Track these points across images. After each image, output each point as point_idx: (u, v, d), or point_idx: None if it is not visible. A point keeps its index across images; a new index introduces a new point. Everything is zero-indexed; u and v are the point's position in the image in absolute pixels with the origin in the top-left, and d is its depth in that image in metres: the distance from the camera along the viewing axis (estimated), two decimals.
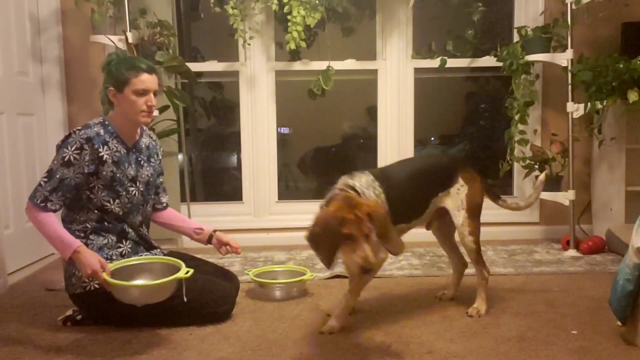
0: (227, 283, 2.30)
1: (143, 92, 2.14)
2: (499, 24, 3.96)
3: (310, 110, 4.19)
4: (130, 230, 2.23)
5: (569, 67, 3.28)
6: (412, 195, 2.16)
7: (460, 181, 2.23)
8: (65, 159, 2.08)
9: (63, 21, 3.50)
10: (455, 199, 2.23)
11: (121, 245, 2.20)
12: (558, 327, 2.11)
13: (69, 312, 2.25)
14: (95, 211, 2.16)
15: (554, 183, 3.36)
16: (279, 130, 3.87)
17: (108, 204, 2.16)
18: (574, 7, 3.23)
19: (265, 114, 3.74)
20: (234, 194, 3.95)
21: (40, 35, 3.42)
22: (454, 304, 2.39)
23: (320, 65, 3.59)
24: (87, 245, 2.11)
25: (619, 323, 2.00)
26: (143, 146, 2.29)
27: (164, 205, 2.45)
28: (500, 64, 3.55)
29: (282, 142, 4.09)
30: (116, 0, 3.23)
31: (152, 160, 2.32)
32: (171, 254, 2.42)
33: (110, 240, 2.18)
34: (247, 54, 3.68)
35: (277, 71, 3.73)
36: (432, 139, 4.60)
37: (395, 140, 3.79)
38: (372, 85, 3.80)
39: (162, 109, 3.38)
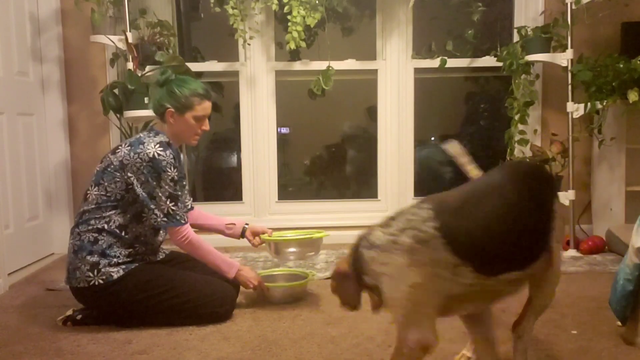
0: (228, 283, 2.30)
1: (202, 118, 2.23)
2: (499, 24, 3.96)
3: (310, 110, 4.19)
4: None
5: (569, 67, 3.28)
6: (513, 230, 1.41)
7: (556, 201, 1.56)
8: (176, 179, 2.16)
9: (63, 21, 3.50)
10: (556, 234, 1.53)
11: (132, 248, 2.21)
12: (558, 327, 2.11)
13: (69, 312, 2.25)
14: (128, 216, 2.18)
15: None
16: (279, 130, 3.87)
17: (145, 214, 2.20)
18: (574, 7, 3.23)
19: (265, 114, 3.74)
20: (234, 194, 3.95)
21: (40, 35, 3.42)
22: None
23: (320, 65, 3.59)
24: (97, 240, 2.14)
25: (619, 323, 2.00)
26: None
27: (192, 205, 2.54)
28: (500, 64, 3.55)
29: (282, 142, 4.09)
30: (116, 0, 3.23)
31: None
32: (172, 253, 2.43)
33: (123, 241, 2.20)
34: (247, 54, 3.69)
35: (277, 71, 3.73)
36: (432, 138, 4.59)
37: (395, 140, 3.79)
38: (372, 85, 3.80)
39: None
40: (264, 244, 2.52)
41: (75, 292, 2.19)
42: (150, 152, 2.12)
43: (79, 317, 2.23)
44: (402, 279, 1.33)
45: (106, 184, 2.17)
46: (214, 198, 4.32)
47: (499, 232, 1.38)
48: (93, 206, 2.17)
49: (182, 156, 2.40)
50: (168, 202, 2.14)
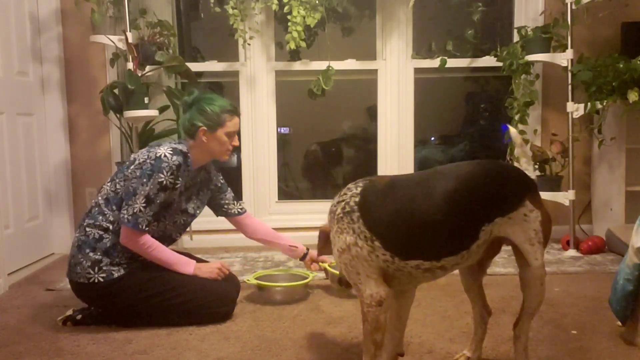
0: (228, 283, 2.30)
1: (233, 134, 2.26)
2: (499, 24, 3.96)
3: (310, 110, 4.19)
4: None
5: (569, 67, 3.28)
6: (438, 221, 1.47)
7: (529, 205, 1.54)
8: (163, 184, 2.11)
9: (63, 21, 3.50)
10: (526, 228, 1.54)
11: (136, 255, 2.20)
12: (558, 327, 2.11)
13: (69, 312, 2.25)
14: None
15: (554, 183, 3.37)
16: (279, 130, 3.87)
17: (153, 225, 2.19)
18: (574, 7, 3.23)
19: (265, 114, 3.74)
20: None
21: (40, 35, 3.42)
22: (454, 303, 2.39)
23: (320, 65, 3.59)
24: (102, 238, 2.14)
25: (619, 323, 2.00)
26: (198, 180, 2.34)
27: (240, 210, 2.56)
28: (500, 64, 3.55)
29: (282, 142, 4.09)
30: (116, 0, 3.24)
31: (200, 193, 2.36)
32: None
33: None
34: (247, 54, 3.68)
35: (277, 71, 3.73)
36: (432, 138, 4.59)
37: (395, 140, 3.79)
38: (372, 85, 3.80)
39: (162, 109, 3.38)
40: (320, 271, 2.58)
41: (75, 287, 2.20)
42: (159, 153, 2.13)
43: (78, 317, 2.23)
44: (334, 243, 1.55)
45: (117, 180, 2.19)
46: None
47: (410, 218, 1.47)
48: (102, 200, 2.19)
49: (208, 182, 2.41)
50: (141, 202, 2.10)
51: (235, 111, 2.26)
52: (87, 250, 2.14)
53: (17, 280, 2.92)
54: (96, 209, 2.19)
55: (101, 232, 2.15)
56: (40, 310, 2.43)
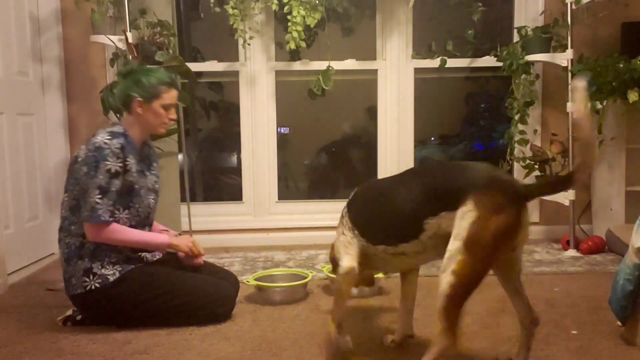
0: (227, 283, 2.30)
1: (169, 107, 2.22)
2: (499, 24, 3.96)
3: (310, 110, 4.19)
4: None
5: (569, 67, 3.28)
6: (389, 211, 1.73)
7: (470, 204, 1.58)
8: (112, 171, 2.08)
9: (63, 21, 3.50)
10: (458, 225, 1.59)
11: (122, 249, 2.19)
12: (558, 327, 2.11)
13: (69, 312, 2.25)
14: None
15: None
16: (279, 130, 3.87)
17: (117, 212, 2.15)
18: (574, 7, 3.23)
19: (265, 114, 3.74)
20: (233, 193, 3.95)
21: (40, 35, 3.42)
22: None
23: (320, 65, 3.59)
24: (83, 245, 2.12)
25: (619, 323, 2.00)
26: (145, 155, 2.30)
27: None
28: (500, 64, 3.55)
29: (282, 142, 4.09)
30: (116, 0, 3.23)
31: (152, 168, 2.33)
32: (169, 254, 2.42)
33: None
34: (247, 54, 3.68)
35: (277, 71, 3.73)
36: (432, 138, 4.59)
37: (395, 140, 3.79)
38: (372, 85, 3.80)
39: None
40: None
41: (76, 300, 2.18)
42: (97, 142, 2.08)
43: (78, 317, 2.23)
44: (337, 231, 1.92)
45: (71, 187, 2.15)
46: (214, 198, 4.32)
47: (374, 210, 1.79)
48: (68, 212, 2.16)
49: (152, 154, 2.35)
50: (95, 194, 2.05)
51: (172, 84, 2.23)
52: (75, 260, 2.13)
53: (17, 280, 2.92)
54: (66, 221, 2.16)
55: (80, 239, 2.13)
56: (40, 310, 2.43)
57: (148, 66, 2.24)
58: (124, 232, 2.12)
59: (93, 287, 2.11)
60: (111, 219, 2.09)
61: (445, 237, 1.61)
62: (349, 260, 1.82)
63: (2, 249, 2.75)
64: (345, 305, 1.90)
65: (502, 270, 1.75)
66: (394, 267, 1.89)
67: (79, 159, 2.12)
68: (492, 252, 1.57)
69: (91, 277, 2.11)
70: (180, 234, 2.46)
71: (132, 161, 2.14)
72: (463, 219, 1.56)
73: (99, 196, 2.06)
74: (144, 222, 2.25)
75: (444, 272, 1.57)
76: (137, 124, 2.21)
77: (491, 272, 1.69)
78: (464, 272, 1.55)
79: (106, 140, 2.08)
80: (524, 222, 1.60)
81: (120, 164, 2.09)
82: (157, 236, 2.23)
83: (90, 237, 2.10)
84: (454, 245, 1.57)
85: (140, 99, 2.17)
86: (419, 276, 2.06)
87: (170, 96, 2.22)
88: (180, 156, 3.60)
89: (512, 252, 1.69)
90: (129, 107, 2.20)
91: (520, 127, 3.53)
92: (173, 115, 2.26)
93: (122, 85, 2.22)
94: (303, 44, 3.46)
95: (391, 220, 1.72)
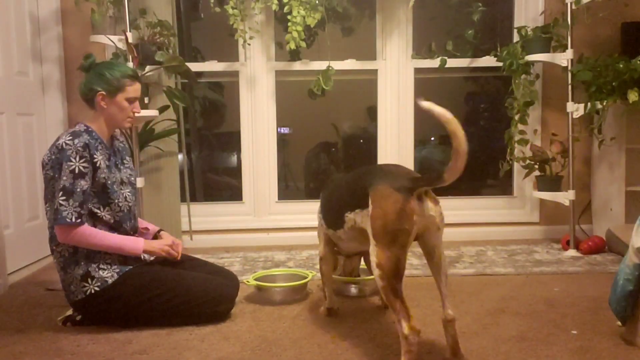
0: (227, 282, 2.30)
1: (134, 100, 2.21)
2: (499, 24, 3.96)
3: (310, 110, 4.19)
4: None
5: (569, 67, 3.28)
6: (332, 203, 2.06)
7: (370, 201, 1.74)
8: (77, 171, 2.05)
9: (63, 21, 3.50)
10: (367, 222, 1.75)
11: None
12: (558, 327, 2.11)
13: (69, 312, 2.25)
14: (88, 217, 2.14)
15: (554, 183, 3.37)
16: (279, 130, 3.87)
17: (99, 211, 2.14)
18: (574, 7, 3.23)
19: (265, 114, 3.74)
20: (233, 194, 3.95)
21: (40, 35, 3.42)
22: (454, 303, 2.39)
23: (320, 65, 3.59)
24: (76, 250, 2.12)
25: (619, 323, 2.00)
26: (116, 149, 2.29)
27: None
28: (500, 64, 3.56)
29: (282, 142, 4.09)
30: (116, 0, 3.24)
31: (125, 161, 2.31)
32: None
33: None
34: (247, 54, 3.69)
35: (277, 71, 3.73)
36: (432, 139, 4.59)
37: (395, 140, 3.79)
38: (372, 85, 3.80)
39: (162, 109, 3.38)
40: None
41: (76, 306, 2.18)
42: (59, 143, 2.07)
43: (78, 317, 2.23)
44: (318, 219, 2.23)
45: (49, 196, 2.13)
46: (214, 198, 4.32)
47: (326, 202, 2.13)
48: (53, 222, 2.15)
49: (124, 148, 2.32)
50: (59, 196, 2.03)
51: (136, 77, 2.21)
52: (72, 267, 2.12)
53: (17, 280, 2.92)
54: (52, 230, 2.15)
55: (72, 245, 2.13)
56: (40, 310, 2.43)
57: (110, 60, 2.23)
58: (96, 236, 2.08)
59: (93, 291, 2.10)
60: (78, 220, 2.05)
61: (362, 231, 1.83)
62: (322, 246, 2.22)
63: (2, 249, 2.75)
64: (331, 284, 2.27)
65: (429, 265, 1.85)
66: (347, 248, 2.19)
67: (45, 164, 2.11)
68: (395, 238, 1.65)
69: (90, 281, 2.10)
70: (160, 231, 2.42)
71: (99, 157, 2.12)
72: (368, 215, 1.73)
73: (63, 198, 2.04)
74: (127, 217, 2.23)
75: (373, 268, 1.70)
76: (102, 119, 2.20)
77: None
78: (381, 261, 1.67)
79: (67, 141, 2.07)
80: (418, 211, 1.67)
81: (86, 164, 2.07)
82: (131, 242, 2.15)
83: (60, 239, 2.07)
84: (371, 241, 1.72)
85: (103, 92, 2.16)
86: (419, 276, 2.08)
87: (134, 89, 2.20)
88: (180, 156, 3.61)
89: (425, 243, 1.78)
90: (92, 101, 2.19)
91: (520, 127, 3.53)
92: (138, 109, 2.24)
93: (84, 79, 2.21)
94: (303, 44, 3.46)
95: (330, 210, 2.06)
